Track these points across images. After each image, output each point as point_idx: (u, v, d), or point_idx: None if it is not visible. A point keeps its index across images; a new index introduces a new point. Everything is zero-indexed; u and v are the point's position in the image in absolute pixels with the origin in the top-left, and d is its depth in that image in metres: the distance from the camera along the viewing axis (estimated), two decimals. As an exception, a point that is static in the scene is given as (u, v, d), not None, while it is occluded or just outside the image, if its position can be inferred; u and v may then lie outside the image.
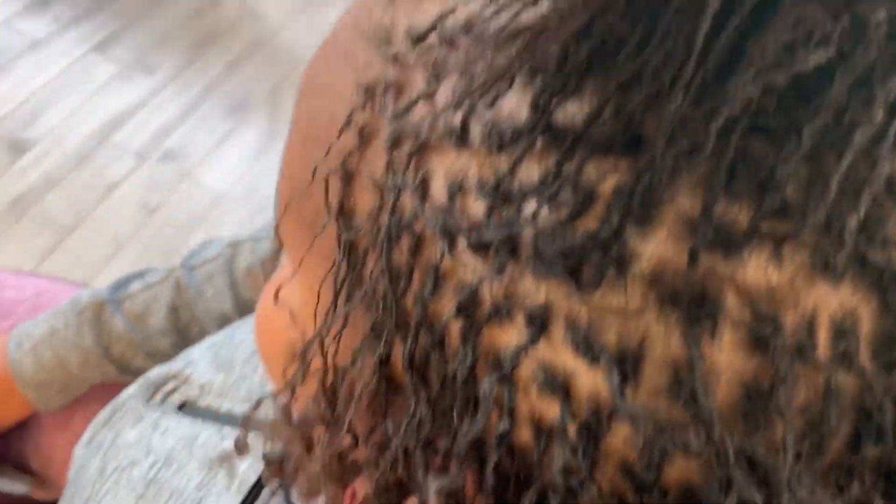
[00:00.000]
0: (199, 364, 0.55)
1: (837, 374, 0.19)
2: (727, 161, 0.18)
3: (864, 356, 0.18)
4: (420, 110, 0.22)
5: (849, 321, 0.18)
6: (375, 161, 0.24)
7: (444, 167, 0.22)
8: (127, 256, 1.48)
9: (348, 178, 0.24)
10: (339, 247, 0.25)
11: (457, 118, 0.21)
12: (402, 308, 0.23)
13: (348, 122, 0.24)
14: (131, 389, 0.59)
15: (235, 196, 1.60)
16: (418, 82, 0.23)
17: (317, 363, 0.26)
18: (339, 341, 0.25)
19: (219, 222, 1.56)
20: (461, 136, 0.21)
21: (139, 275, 0.74)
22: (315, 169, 0.25)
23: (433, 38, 0.23)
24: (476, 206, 0.21)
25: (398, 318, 0.23)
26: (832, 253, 0.18)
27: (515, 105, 0.21)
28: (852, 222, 0.17)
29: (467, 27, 0.22)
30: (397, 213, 0.23)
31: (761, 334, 0.18)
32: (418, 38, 0.23)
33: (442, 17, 0.23)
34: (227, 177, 1.62)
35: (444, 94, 0.22)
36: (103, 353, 0.69)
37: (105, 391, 0.70)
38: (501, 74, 0.20)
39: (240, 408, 0.50)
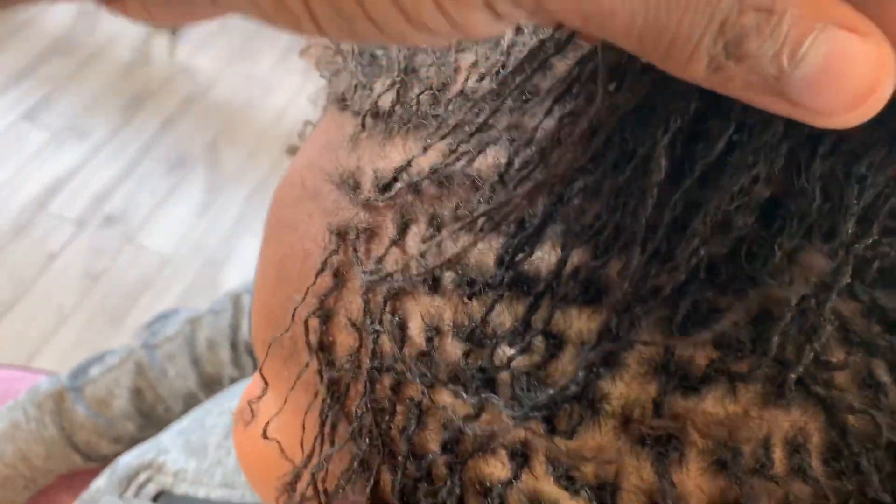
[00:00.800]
0: (170, 451, 0.54)
1: (794, 486, 0.20)
2: (683, 309, 0.19)
3: (816, 466, 0.20)
4: (392, 256, 0.24)
5: (800, 438, 0.20)
6: (352, 302, 0.25)
7: (419, 311, 0.23)
8: (72, 328, 1.44)
9: (326, 316, 0.25)
10: (322, 381, 0.25)
11: (427, 265, 0.23)
12: (389, 440, 0.24)
13: (324, 266, 0.25)
14: (101, 482, 0.58)
15: (182, 256, 1.58)
16: (388, 229, 0.24)
17: (305, 487, 0.27)
18: (327, 469, 0.26)
19: (166, 285, 1.53)
20: (433, 284, 0.23)
21: (97, 359, 0.73)
22: (294, 311, 0.26)
23: (399, 184, 0.24)
24: (453, 349, 0.22)
25: (385, 449, 0.24)
26: (783, 383, 0.19)
27: (482, 255, 0.22)
28: (807, 357, 0.19)
29: (431, 174, 0.23)
30: (377, 355, 0.24)
31: (723, 458, 0.20)
32: (385, 186, 0.24)
33: (406, 166, 0.24)
34: (171, 237, 1.60)
35: (414, 240, 0.23)
36: (67, 442, 0.68)
37: (72, 479, 0.69)
38: (466, 224, 0.22)
39: (216, 493, 0.50)
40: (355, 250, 0.24)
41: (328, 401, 0.25)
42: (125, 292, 1.50)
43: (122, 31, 1.91)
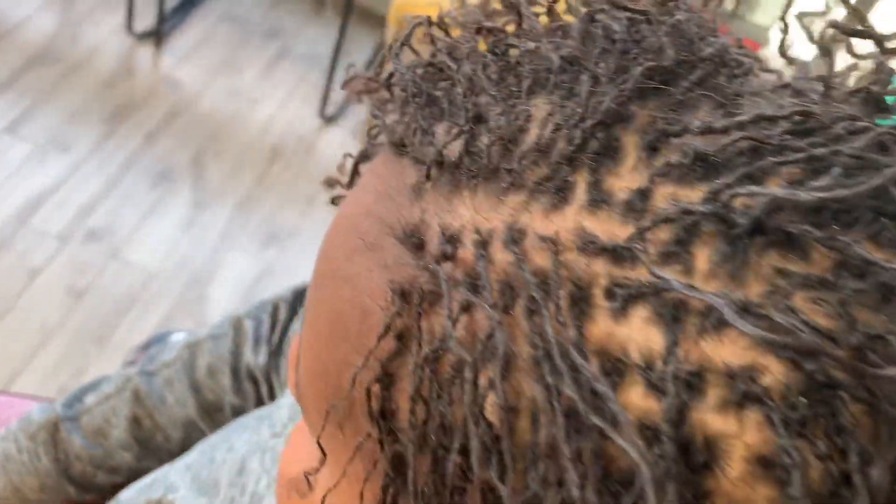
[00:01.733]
0: (179, 489, 0.52)
1: None
2: None
3: None
4: (462, 325, 0.22)
5: None
6: (418, 369, 0.23)
7: (493, 387, 0.21)
8: (56, 346, 1.41)
9: (389, 383, 0.24)
10: (383, 452, 0.24)
11: (499, 339, 0.21)
12: None
13: (387, 329, 0.23)
14: (102, 518, 0.56)
15: (167, 272, 1.55)
16: (457, 294, 0.22)
17: None
18: None
19: (152, 301, 1.51)
20: (507, 361, 0.21)
21: (92, 386, 0.71)
22: (354, 376, 0.24)
23: (469, 244, 0.22)
24: (528, 431, 0.21)
25: None
26: None
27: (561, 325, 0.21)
28: None
29: (510, 240, 0.22)
30: (447, 429, 0.22)
31: None
32: (453, 249, 0.23)
33: (478, 227, 0.22)
34: (156, 252, 1.57)
35: (485, 312, 0.22)
36: (62, 474, 0.66)
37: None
38: (548, 298, 0.21)
39: (229, 533, 0.48)
40: (419, 315, 0.23)
41: (390, 474, 0.24)
42: (110, 309, 1.47)
43: (105, 42, 1.88)
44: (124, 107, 1.78)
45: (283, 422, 0.52)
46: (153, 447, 0.69)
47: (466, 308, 0.22)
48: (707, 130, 0.21)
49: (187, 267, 1.57)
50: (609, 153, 0.22)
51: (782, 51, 0.25)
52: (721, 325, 0.19)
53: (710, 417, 0.19)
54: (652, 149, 0.22)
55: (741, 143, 0.21)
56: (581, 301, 0.21)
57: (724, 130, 0.21)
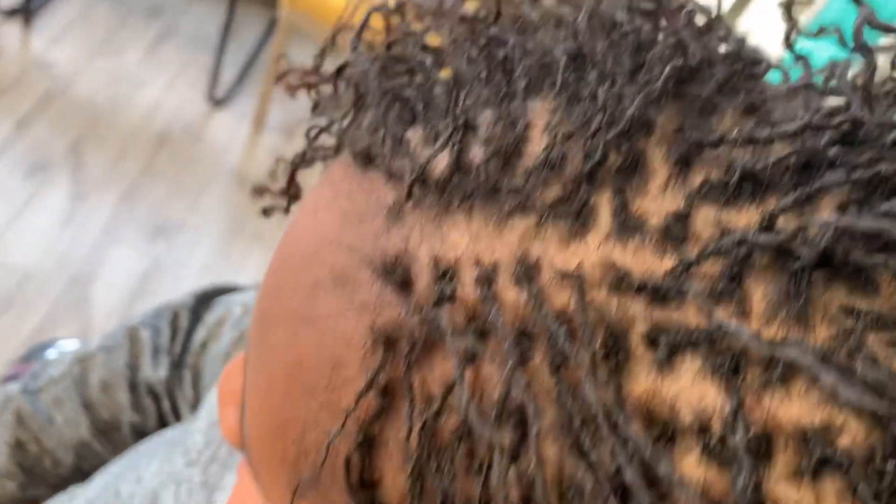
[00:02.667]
0: (79, 528, 0.46)
1: None
2: None
3: None
4: (467, 382, 0.18)
5: None
6: (406, 430, 0.19)
7: (510, 457, 0.18)
8: (-78, 354, 1.29)
9: (370, 448, 0.20)
10: None
11: (516, 398, 0.17)
12: None
13: (369, 386, 0.19)
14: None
15: (46, 271, 1.44)
16: (454, 343, 0.18)
17: None
18: None
19: (30, 303, 1.39)
20: (527, 425, 0.17)
21: (-34, 410, 0.64)
22: (330, 441, 0.20)
23: (469, 281, 0.19)
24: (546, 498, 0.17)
25: None
26: None
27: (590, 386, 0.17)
28: None
29: (522, 276, 0.18)
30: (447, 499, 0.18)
31: None
32: (451, 287, 0.19)
33: (479, 258, 0.19)
34: (32, 250, 1.46)
35: (492, 365, 0.18)
36: (-68, 511, 0.59)
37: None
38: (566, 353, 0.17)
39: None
40: (410, 368, 0.19)
41: None
42: (-19, 312, 1.36)
43: (-34, 21, 1.73)
44: (-10, 91, 1.64)
45: (199, 448, 0.47)
46: (40, 473, 0.63)
47: (471, 359, 0.18)
48: (748, 141, 0.18)
49: (67, 265, 1.46)
50: (633, 169, 0.18)
51: (788, 44, 0.22)
52: (788, 377, 0.16)
53: (781, 488, 0.16)
54: (684, 163, 0.18)
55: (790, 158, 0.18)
56: (616, 350, 0.17)
57: (769, 141, 0.18)
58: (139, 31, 1.89)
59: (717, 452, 0.16)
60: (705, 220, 0.18)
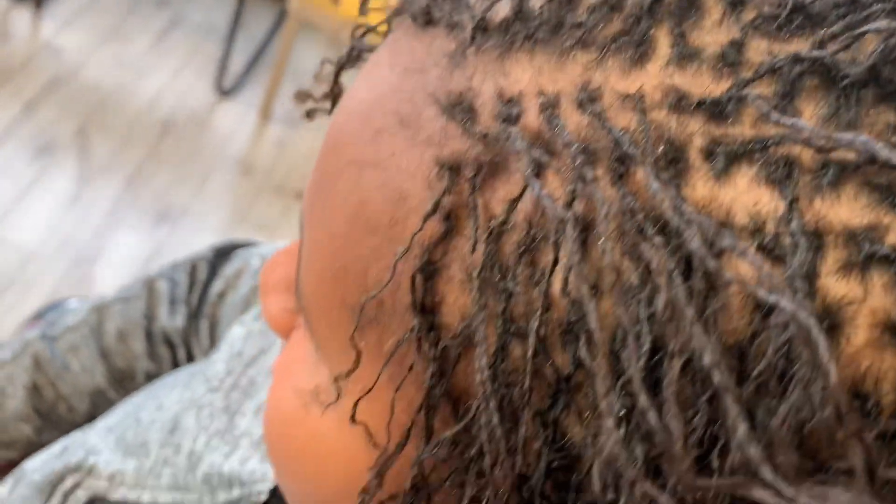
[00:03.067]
0: (101, 452, 0.47)
1: None
2: None
3: None
4: (531, 197, 0.19)
5: None
6: (469, 253, 0.20)
7: (565, 264, 0.19)
8: (-77, 329, 1.29)
9: (433, 271, 0.21)
10: (421, 351, 0.21)
11: (578, 208, 0.19)
12: (521, 431, 0.20)
13: (435, 207, 0.20)
14: (4, 490, 0.50)
15: (48, 252, 1.44)
16: (521, 163, 0.19)
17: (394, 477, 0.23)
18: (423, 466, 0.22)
19: (31, 282, 1.40)
20: (584, 231, 0.19)
21: (-15, 354, 0.64)
22: (395, 265, 0.21)
23: (533, 109, 0.20)
24: (611, 308, 0.18)
25: (509, 440, 0.20)
26: None
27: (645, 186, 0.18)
28: None
29: (585, 100, 0.19)
30: (510, 316, 0.20)
31: None
32: (516, 113, 0.20)
33: (542, 90, 0.20)
34: (36, 230, 1.46)
35: (557, 179, 0.19)
36: (-53, 451, 0.59)
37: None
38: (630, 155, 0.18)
39: (164, 498, 0.43)
40: (474, 190, 0.20)
41: (433, 375, 0.21)
42: (-16, 290, 1.36)
43: (-24, 4, 1.74)
44: (-1, 74, 1.65)
45: (220, 376, 0.48)
46: (55, 419, 0.63)
47: (537, 175, 0.19)
48: None
49: (70, 246, 1.46)
50: (690, 5, 0.19)
51: None
52: (838, 182, 0.17)
53: (831, 282, 0.17)
54: (738, 0, 0.19)
55: None
56: (676, 163, 0.18)
57: None
58: (148, 20, 1.90)
59: (770, 249, 0.17)
60: (758, 48, 0.19)
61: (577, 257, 0.18)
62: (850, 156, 0.17)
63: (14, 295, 1.37)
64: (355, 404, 0.23)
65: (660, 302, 0.17)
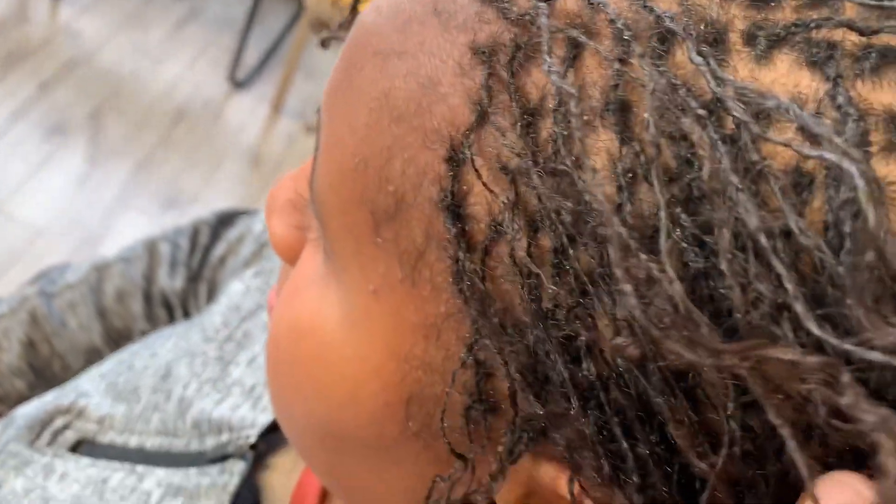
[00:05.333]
0: (92, 395, 0.46)
1: None
2: None
3: None
4: (567, 82, 0.19)
5: None
6: (500, 141, 0.20)
7: (602, 151, 0.18)
8: (-74, 300, 1.29)
9: (460, 161, 0.20)
10: (448, 246, 0.21)
11: (612, 95, 0.18)
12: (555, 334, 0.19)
13: (474, 93, 0.20)
14: (-3, 434, 0.49)
15: (56, 230, 1.45)
16: (557, 48, 0.19)
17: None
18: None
19: (37, 260, 1.40)
20: (622, 117, 0.18)
21: (-20, 308, 0.64)
22: (413, 154, 0.21)
23: None
24: (650, 198, 0.18)
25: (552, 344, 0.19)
26: None
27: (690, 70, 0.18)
28: None
29: None
30: (543, 204, 0.19)
31: None
32: None
33: None
34: (45, 209, 1.46)
35: (595, 60, 0.19)
36: (-60, 401, 0.59)
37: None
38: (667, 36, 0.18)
39: (152, 442, 0.43)
40: (512, 74, 0.19)
41: (462, 263, 0.20)
42: (-10, 265, 1.36)
43: (-3, -15, 1.75)
44: (15, 54, 1.66)
45: (216, 327, 0.47)
46: (49, 376, 0.63)
47: (575, 58, 0.19)
48: None
49: (78, 226, 1.47)
50: None
51: None
52: (880, 68, 0.17)
53: (873, 163, 0.17)
54: None
55: None
56: (716, 45, 0.18)
57: None
58: (167, 9, 1.91)
59: (810, 131, 0.17)
60: None
61: (609, 144, 0.18)
62: (894, 41, 0.17)
63: (21, 271, 1.38)
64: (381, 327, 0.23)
65: (705, 173, 0.17)
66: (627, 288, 0.17)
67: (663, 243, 0.17)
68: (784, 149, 0.17)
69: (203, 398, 0.43)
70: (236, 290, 0.51)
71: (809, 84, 0.18)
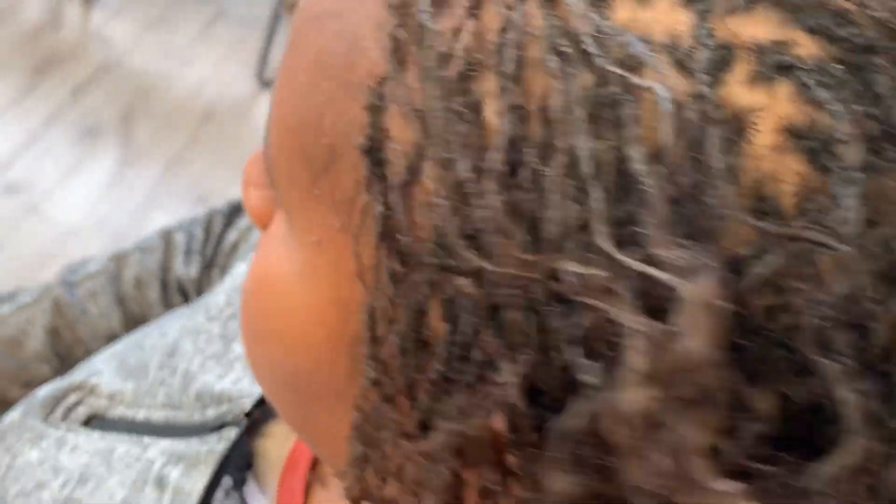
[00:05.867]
0: (103, 373, 0.49)
1: None
2: None
3: None
4: (470, 29, 0.21)
5: None
6: (414, 86, 0.21)
7: (495, 92, 0.20)
8: (-34, 299, 1.34)
9: (380, 107, 0.22)
10: (370, 191, 0.22)
11: (516, 36, 0.20)
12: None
13: (384, 45, 0.22)
14: (16, 413, 0.52)
15: (87, 230, 1.49)
16: None
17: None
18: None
19: (70, 259, 1.44)
20: (518, 61, 0.20)
21: (8, 297, 0.67)
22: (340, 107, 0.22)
23: None
24: (538, 131, 0.19)
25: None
26: None
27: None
28: None
29: None
30: (449, 139, 0.20)
31: None
32: None
33: None
34: (77, 209, 1.51)
35: (492, 9, 0.20)
36: (-30, 387, 0.62)
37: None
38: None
39: (158, 415, 0.45)
40: (422, 25, 0.21)
41: (383, 205, 0.21)
42: (25, 265, 1.40)
43: (31, -7, 1.81)
44: (50, 59, 1.71)
45: (220, 306, 0.49)
46: (72, 361, 0.65)
47: (476, 9, 0.21)
48: None
49: (109, 225, 1.51)
50: None
51: None
52: (751, 2, 0.19)
53: (739, 91, 0.19)
54: None
55: None
56: None
57: None
58: (194, 11, 1.95)
59: (683, 63, 0.19)
60: None
61: (509, 83, 0.19)
62: None
63: (52, 270, 1.41)
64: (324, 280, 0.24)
65: (554, 100, 0.19)
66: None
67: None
68: (640, 83, 0.18)
69: (206, 372, 0.45)
70: (240, 271, 0.53)
71: (685, 21, 0.19)
